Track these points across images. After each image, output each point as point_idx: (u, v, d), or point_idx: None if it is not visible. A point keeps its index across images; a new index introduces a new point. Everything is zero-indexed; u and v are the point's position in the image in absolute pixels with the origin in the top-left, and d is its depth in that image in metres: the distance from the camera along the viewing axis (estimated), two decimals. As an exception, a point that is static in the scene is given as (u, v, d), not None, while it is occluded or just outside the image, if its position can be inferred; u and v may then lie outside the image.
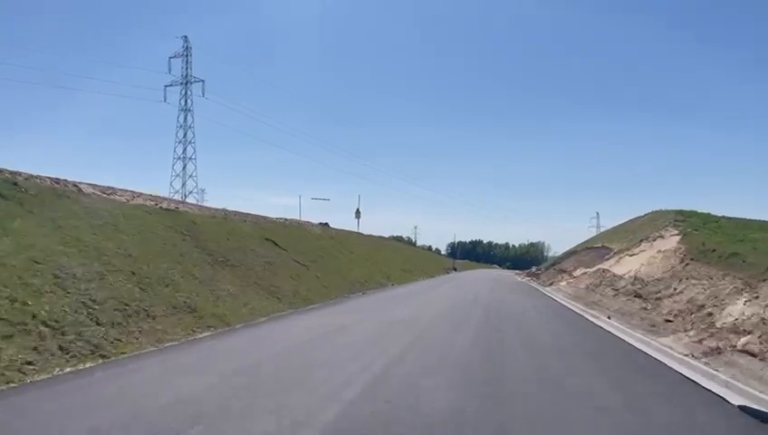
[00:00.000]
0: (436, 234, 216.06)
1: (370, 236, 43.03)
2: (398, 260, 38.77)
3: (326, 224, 32.53)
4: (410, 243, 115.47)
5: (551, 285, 28.75)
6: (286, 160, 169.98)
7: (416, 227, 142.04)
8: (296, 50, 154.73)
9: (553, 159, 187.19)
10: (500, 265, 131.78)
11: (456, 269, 59.72)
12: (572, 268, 29.58)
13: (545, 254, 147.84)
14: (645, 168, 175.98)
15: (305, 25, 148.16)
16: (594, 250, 33.62)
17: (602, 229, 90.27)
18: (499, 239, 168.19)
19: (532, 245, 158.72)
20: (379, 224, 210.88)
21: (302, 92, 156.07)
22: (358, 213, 42.34)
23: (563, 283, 26.66)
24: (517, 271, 76.45)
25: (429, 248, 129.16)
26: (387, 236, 78.61)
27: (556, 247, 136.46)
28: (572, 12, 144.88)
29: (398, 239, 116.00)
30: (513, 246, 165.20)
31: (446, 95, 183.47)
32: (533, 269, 49.87)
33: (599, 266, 23.38)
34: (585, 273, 26.02)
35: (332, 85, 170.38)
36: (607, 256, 27.94)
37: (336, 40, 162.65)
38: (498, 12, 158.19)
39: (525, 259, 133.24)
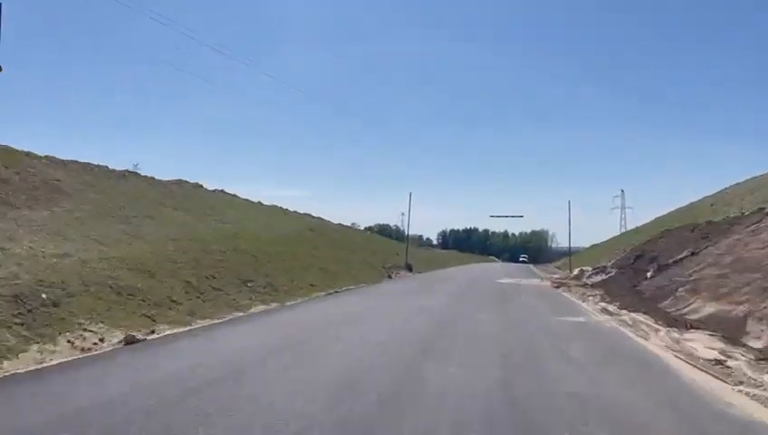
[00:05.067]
0: (435, 223, 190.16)
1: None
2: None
3: None
4: (398, 232, 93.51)
5: None
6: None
7: (402, 214, 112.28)
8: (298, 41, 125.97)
9: (554, 146, 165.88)
10: (498, 257, 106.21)
11: (410, 269, 31.68)
12: None
13: (550, 244, 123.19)
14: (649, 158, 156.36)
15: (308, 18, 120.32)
16: None
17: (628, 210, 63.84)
18: (497, 228, 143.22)
19: (534, 233, 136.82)
20: (372, 212, 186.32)
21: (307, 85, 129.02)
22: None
23: None
24: (532, 266, 49.09)
25: (420, 238, 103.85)
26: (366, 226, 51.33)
27: (561, 238, 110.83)
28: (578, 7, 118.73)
29: (384, 228, 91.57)
30: (513, 234, 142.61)
31: (448, 88, 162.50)
32: (576, 272, 22.86)
33: None
34: None
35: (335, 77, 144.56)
36: None
37: (333, 37, 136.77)
38: (500, 8, 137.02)
39: (527, 249, 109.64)
